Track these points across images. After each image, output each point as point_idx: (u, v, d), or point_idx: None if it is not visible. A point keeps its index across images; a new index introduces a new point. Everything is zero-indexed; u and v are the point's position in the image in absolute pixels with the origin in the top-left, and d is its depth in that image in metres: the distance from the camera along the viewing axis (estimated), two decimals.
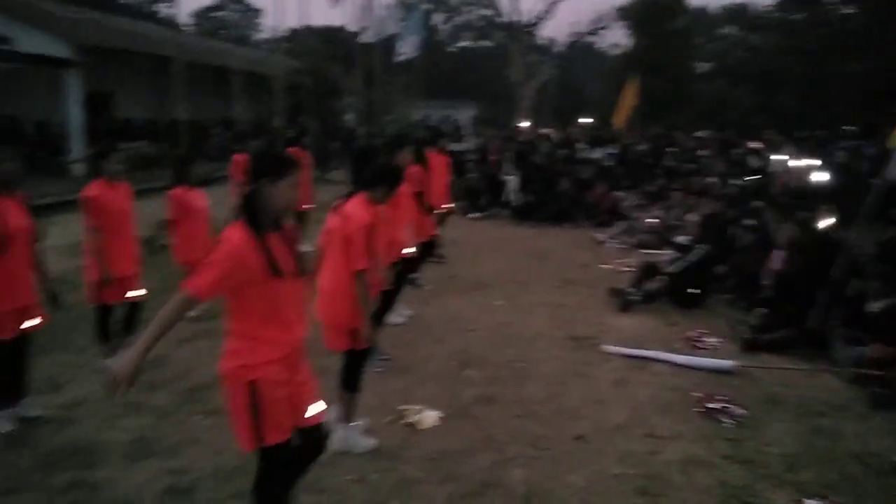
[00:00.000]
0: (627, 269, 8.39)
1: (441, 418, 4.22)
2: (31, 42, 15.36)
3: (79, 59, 15.35)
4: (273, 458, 2.66)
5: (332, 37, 35.92)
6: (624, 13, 33.98)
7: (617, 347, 5.52)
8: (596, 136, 14.42)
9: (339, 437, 3.73)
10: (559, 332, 5.99)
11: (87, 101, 16.07)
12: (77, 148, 15.42)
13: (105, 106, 18.92)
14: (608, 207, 11.94)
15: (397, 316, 6.09)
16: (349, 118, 24.64)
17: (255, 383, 2.55)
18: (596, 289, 7.45)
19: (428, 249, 7.23)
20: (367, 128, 20.48)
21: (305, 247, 2.82)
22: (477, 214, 12.47)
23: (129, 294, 4.87)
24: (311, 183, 8.36)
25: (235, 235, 2.53)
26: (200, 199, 5.99)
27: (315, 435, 2.80)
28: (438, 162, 8.08)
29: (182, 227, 5.91)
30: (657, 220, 10.05)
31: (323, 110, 22.12)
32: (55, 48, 15.34)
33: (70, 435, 3.92)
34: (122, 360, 2.47)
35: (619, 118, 14.77)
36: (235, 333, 2.60)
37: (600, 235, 10.48)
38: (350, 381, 3.81)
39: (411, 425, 4.13)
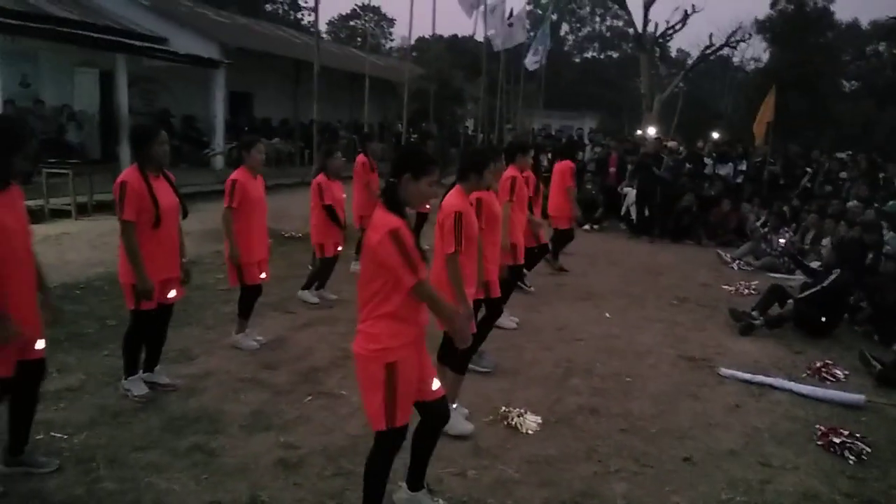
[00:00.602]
0: (751, 291, 8.00)
1: (542, 423, 4.20)
2: (185, 43, 16.68)
3: (224, 60, 16.50)
4: (391, 439, 2.82)
5: (458, 45, 36.56)
6: (764, 26, 32.28)
7: (734, 371, 5.26)
8: (724, 152, 13.76)
9: None
10: (671, 351, 5.79)
11: (228, 100, 17.26)
12: (218, 142, 16.59)
13: (245, 105, 20.24)
14: (734, 226, 11.42)
15: (508, 321, 6.11)
16: (469, 124, 24.94)
17: (393, 365, 2.71)
18: (715, 310, 7.14)
19: (537, 256, 7.22)
20: (485, 134, 20.66)
21: (423, 246, 2.93)
22: (590, 227, 12.27)
23: (261, 276, 5.19)
24: None
25: (394, 220, 2.70)
26: (339, 190, 6.38)
27: (439, 405, 2.97)
28: (564, 171, 8.10)
29: (319, 213, 6.30)
30: (788, 243, 9.49)
31: (445, 116, 22.51)
32: (205, 49, 16.58)
33: (196, 403, 4.23)
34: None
35: (759, 133, 13.96)
36: (375, 317, 2.74)
37: (725, 255, 10.02)
38: (457, 363, 3.88)
39: (512, 427, 4.13)
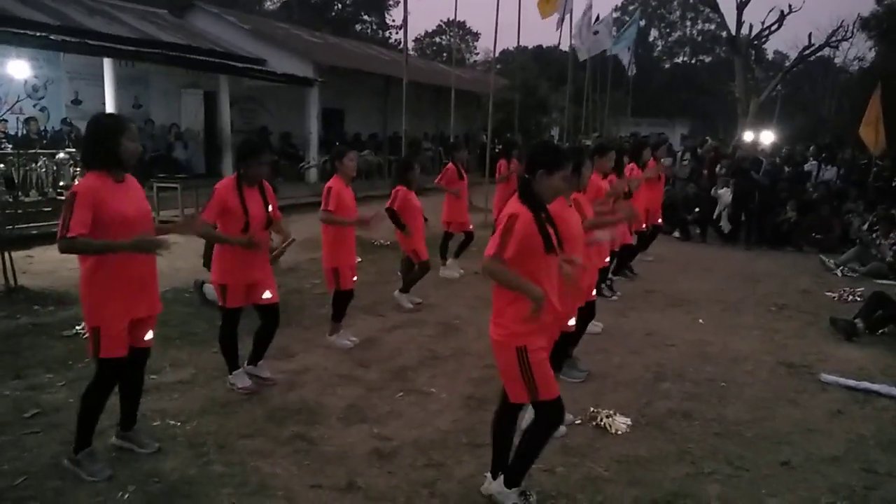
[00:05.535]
0: (856, 298, 7.61)
1: (632, 425, 4.17)
2: (282, 63, 17.55)
3: (318, 79, 17.20)
4: (550, 410, 2.98)
5: (543, 55, 36.52)
6: (869, 23, 30.42)
7: (837, 377, 5.04)
8: (826, 155, 13.11)
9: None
10: (769, 357, 5.59)
11: (322, 116, 17.98)
12: (312, 157, 17.30)
13: (337, 120, 20.99)
14: (838, 231, 10.85)
15: (592, 326, 6.06)
16: (554, 133, 24.85)
17: (523, 348, 2.89)
18: (817, 317, 6.85)
19: (622, 259, 7.15)
20: (571, 143, 20.54)
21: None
22: (679, 234, 11.93)
23: (353, 279, 5.41)
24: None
25: (523, 211, 2.87)
26: (416, 199, 6.55)
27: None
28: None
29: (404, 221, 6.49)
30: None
31: (529, 125, 22.54)
32: (301, 69, 17.37)
33: (296, 396, 4.47)
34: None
35: (868, 137, 13.06)
36: (504, 304, 2.93)
37: (828, 261, 9.56)
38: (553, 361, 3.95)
39: (601, 427, 4.12)
